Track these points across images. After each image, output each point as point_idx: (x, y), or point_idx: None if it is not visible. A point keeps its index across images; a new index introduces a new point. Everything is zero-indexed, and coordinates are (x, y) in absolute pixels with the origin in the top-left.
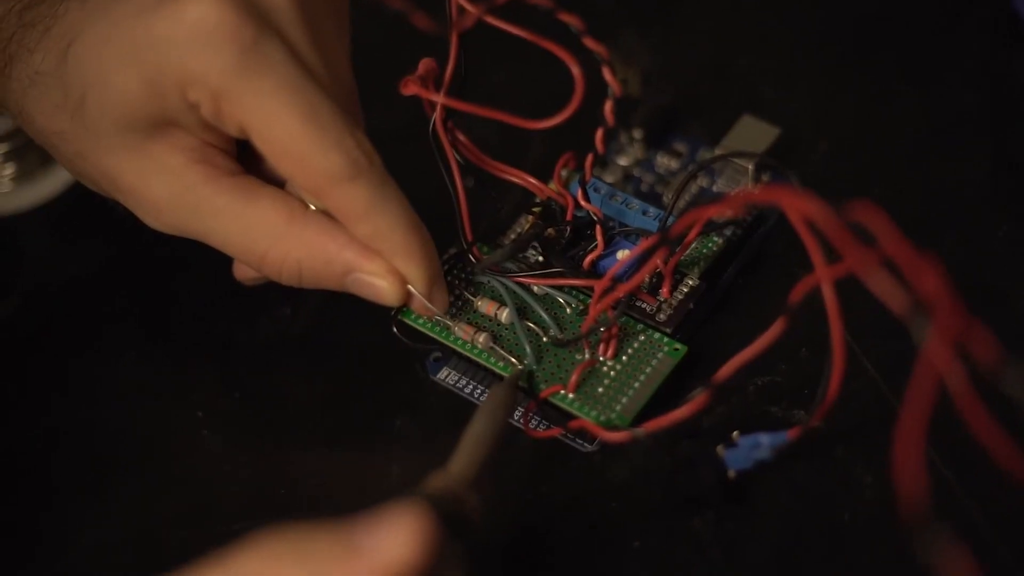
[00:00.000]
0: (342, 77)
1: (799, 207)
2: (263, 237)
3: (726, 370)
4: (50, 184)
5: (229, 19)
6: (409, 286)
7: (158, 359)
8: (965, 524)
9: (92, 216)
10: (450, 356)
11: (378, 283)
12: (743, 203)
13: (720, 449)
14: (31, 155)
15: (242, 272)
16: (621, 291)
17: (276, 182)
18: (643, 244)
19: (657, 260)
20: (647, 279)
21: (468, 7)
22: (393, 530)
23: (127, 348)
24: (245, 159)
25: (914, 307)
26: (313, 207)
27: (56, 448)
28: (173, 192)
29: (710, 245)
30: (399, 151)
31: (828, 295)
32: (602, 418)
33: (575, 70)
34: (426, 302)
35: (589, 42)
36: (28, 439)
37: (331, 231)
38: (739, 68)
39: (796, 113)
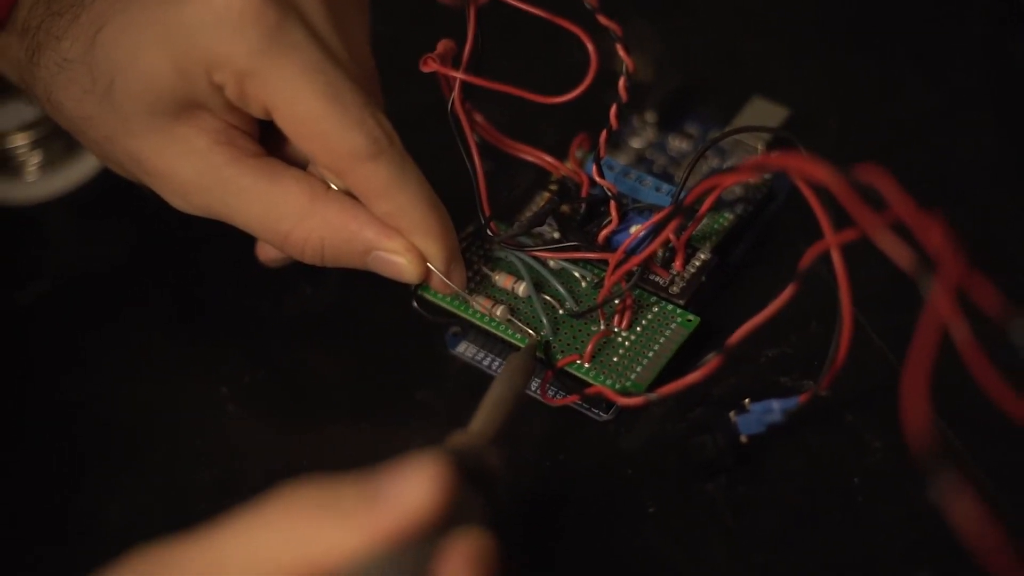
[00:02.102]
0: (363, 59)
1: (808, 171)
2: (286, 216)
3: (738, 335)
4: (75, 172)
5: (253, 3)
6: (428, 264)
7: (184, 338)
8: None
9: (118, 202)
10: (469, 330)
11: (398, 260)
12: (754, 168)
13: (732, 415)
14: (56, 144)
15: (265, 253)
16: (634, 262)
17: (299, 164)
18: (656, 216)
19: (669, 232)
20: (660, 253)
21: None
22: (413, 478)
23: (154, 328)
24: (268, 142)
25: (920, 263)
26: (335, 187)
27: (87, 424)
28: (199, 173)
29: (721, 220)
30: (419, 131)
31: (837, 260)
32: (617, 386)
33: (589, 46)
34: (445, 279)
35: (603, 19)
36: (60, 416)
37: (352, 210)
38: (749, 51)
39: (805, 94)
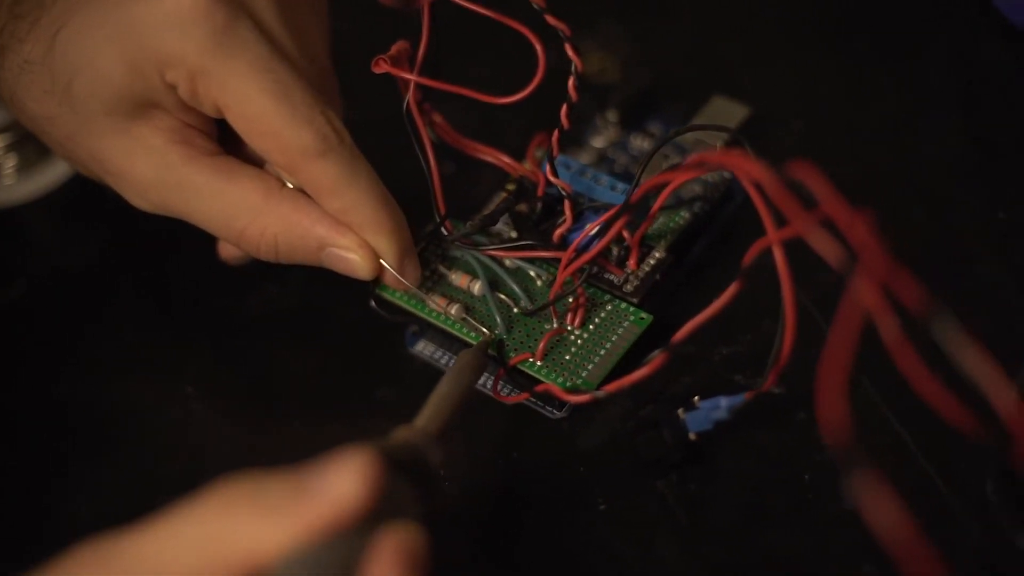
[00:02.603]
0: (317, 58)
1: (743, 168)
2: (241, 213)
3: (683, 332)
4: (51, 174)
5: (202, 3)
6: (382, 260)
7: (153, 337)
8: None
9: (92, 204)
10: (427, 329)
11: (350, 257)
12: (695, 165)
13: (681, 412)
14: (31, 146)
15: (226, 251)
16: (584, 259)
17: (257, 163)
18: (607, 214)
19: (618, 229)
20: (615, 251)
21: None
22: (341, 472)
23: (124, 327)
24: (228, 141)
25: (848, 258)
26: (290, 185)
27: (56, 421)
28: (156, 172)
29: (677, 219)
30: (386, 133)
31: (779, 256)
32: (568, 384)
33: (537, 46)
34: (398, 275)
35: (551, 19)
36: (30, 412)
37: (305, 207)
38: (717, 53)
39: (772, 95)
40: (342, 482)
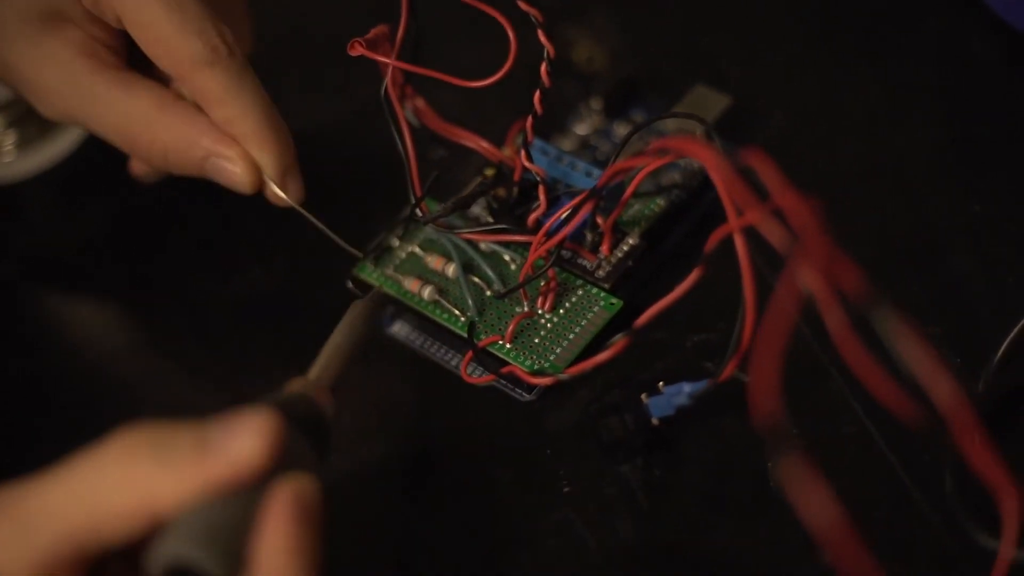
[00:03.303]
0: None
1: (696, 153)
2: (135, 123)
3: (645, 316)
4: (50, 151)
5: None
6: (264, 175)
7: (139, 313)
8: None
9: (88, 182)
10: (402, 311)
11: (232, 168)
12: (656, 151)
13: (644, 397)
14: (31, 123)
15: (136, 168)
16: (553, 241)
17: (164, 82)
18: (577, 198)
19: (585, 212)
20: (589, 237)
21: None
22: (242, 429)
23: (112, 302)
24: (138, 61)
25: (792, 243)
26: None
27: (40, 398)
28: (62, 81)
29: (652, 206)
30: (361, 115)
31: (739, 244)
32: (535, 366)
33: (510, 32)
34: (277, 190)
35: (523, 5)
36: (12, 389)
37: (194, 118)
38: (703, 45)
39: (755, 86)
40: (243, 441)
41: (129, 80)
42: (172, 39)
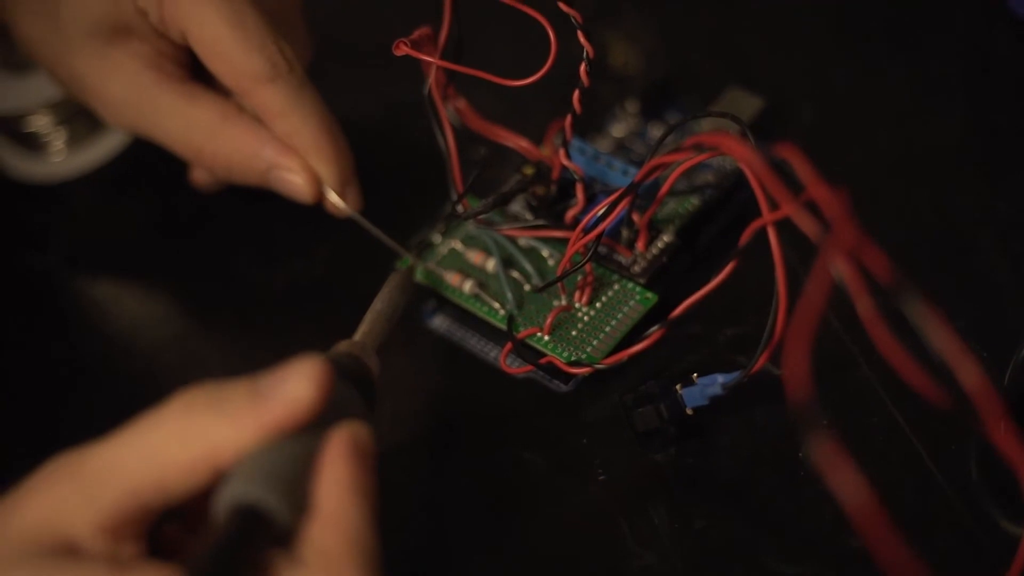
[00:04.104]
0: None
1: (732, 149)
2: (199, 133)
3: (681, 308)
4: (99, 150)
5: None
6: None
7: (185, 306)
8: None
9: (136, 180)
10: (443, 305)
11: (293, 179)
12: (691, 148)
13: (678, 388)
14: (81, 122)
15: (196, 176)
16: (590, 236)
17: (227, 93)
18: (613, 195)
19: (622, 208)
20: (625, 234)
21: None
22: (294, 376)
23: (156, 293)
24: (202, 74)
25: (822, 230)
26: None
27: (90, 379)
28: (128, 92)
29: (687, 205)
30: (404, 114)
31: (772, 237)
32: (572, 358)
33: (550, 32)
34: (337, 200)
35: (563, 6)
36: (67, 370)
37: (257, 130)
38: (734, 46)
39: (785, 85)
40: (295, 385)
41: (193, 92)
42: (235, 56)
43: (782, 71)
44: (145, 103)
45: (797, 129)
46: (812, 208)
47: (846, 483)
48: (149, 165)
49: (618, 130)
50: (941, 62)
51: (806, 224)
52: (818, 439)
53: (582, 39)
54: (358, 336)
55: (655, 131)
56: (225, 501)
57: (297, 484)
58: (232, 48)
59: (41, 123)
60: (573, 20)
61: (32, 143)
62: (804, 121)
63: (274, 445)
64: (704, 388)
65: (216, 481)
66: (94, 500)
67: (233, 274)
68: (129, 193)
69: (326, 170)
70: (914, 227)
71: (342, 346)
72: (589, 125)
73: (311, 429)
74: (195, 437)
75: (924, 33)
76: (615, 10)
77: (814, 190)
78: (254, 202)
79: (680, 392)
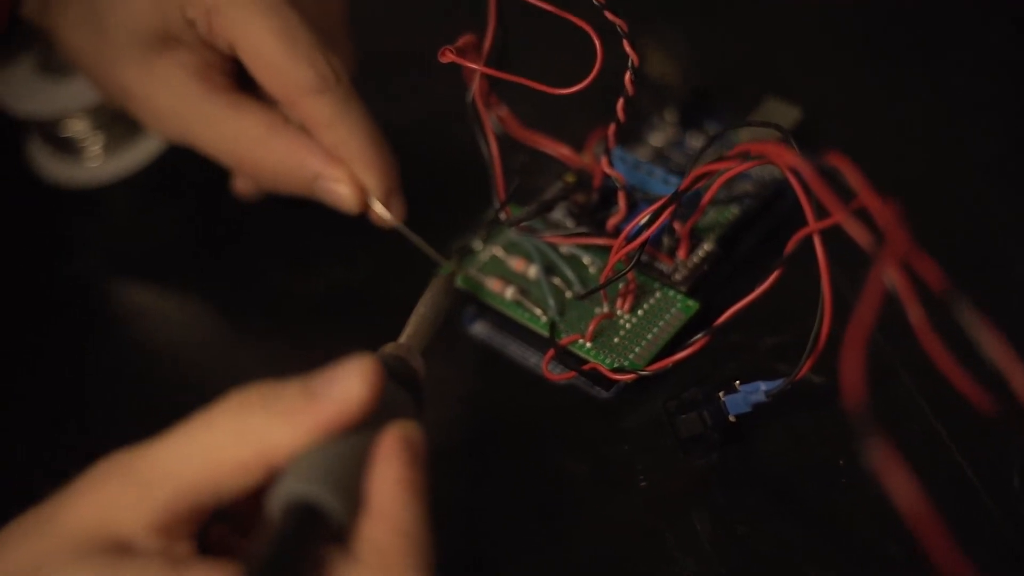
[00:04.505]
0: (328, 7)
1: (781, 157)
2: (245, 143)
3: (725, 316)
4: (136, 155)
5: None
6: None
7: (223, 312)
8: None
9: (173, 185)
10: (484, 311)
11: (339, 189)
12: (737, 156)
13: (721, 395)
14: (118, 127)
15: (239, 185)
16: (633, 245)
17: (272, 104)
18: (656, 203)
19: (666, 217)
20: (666, 242)
21: None
22: (346, 376)
23: (194, 299)
24: (247, 84)
25: (875, 240)
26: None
27: (126, 384)
28: (174, 102)
29: (727, 214)
30: (444, 121)
31: (818, 245)
32: (615, 364)
33: (596, 41)
34: (382, 209)
35: (609, 15)
36: (102, 376)
37: (303, 140)
38: (769, 56)
39: (821, 97)
40: (348, 384)
41: (240, 102)
42: (283, 67)
43: (816, 82)
44: (191, 113)
45: (833, 140)
46: (862, 216)
47: (902, 488)
48: (187, 170)
49: (657, 139)
50: (973, 77)
51: (857, 232)
52: (874, 445)
53: (628, 48)
54: (403, 339)
55: (694, 141)
56: (281, 498)
57: (351, 482)
58: (281, 60)
59: (78, 128)
60: (619, 29)
61: (69, 148)
62: (839, 132)
63: (328, 443)
64: (747, 395)
65: (269, 480)
66: (148, 499)
67: (271, 281)
68: (166, 199)
69: (372, 181)
70: (949, 242)
71: (389, 348)
72: (628, 134)
73: (363, 427)
74: (249, 436)
75: (956, 49)
76: (652, 21)
77: (865, 199)
78: (292, 209)
79: (723, 399)
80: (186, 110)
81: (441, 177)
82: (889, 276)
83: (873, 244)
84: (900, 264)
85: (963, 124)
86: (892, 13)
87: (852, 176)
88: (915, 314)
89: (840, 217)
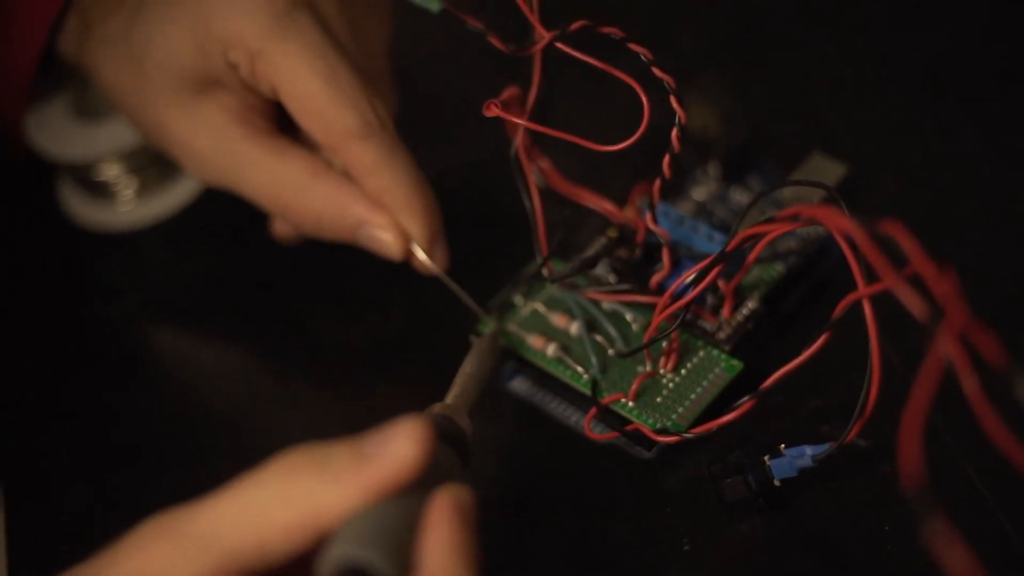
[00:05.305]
0: (371, 52)
1: (834, 222)
2: (288, 188)
3: (772, 380)
4: (169, 200)
5: None
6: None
7: (256, 359)
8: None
9: (206, 230)
10: (524, 366)
11: (383, 236)
12: (788, 218)
13: (767, 459)
14: (152, 172)
15: (279, 229)
16: (679, 304)
17: (313, 147)
18: (702, 263)
19: (712, 277)
20: (709, 300)
21: (542, 31)
22: (398, 438)
23: (228, 348)
24: (287, 126)
25: (932, 312)
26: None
27: (163, 431)
28: (215, 145)
29: (772, 272)
30: (485, 172)
31: (868, 311)
32: (658, 425)
33: (643, 97)
34: (425, 257)
35: (657, 71)
36: (139, 423)
37: (347, 187)
38: (812, 108)
39: (866, 152)
40: (400, 448)
41: (281, 147)
42: (328, 112)
43: (861, 135)
44: (232, 157)
45: (878, 197)
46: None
47: (959, 568)
48: (222, 214)
49: (699, 193)
50: (1020, 131)
51: (911, 301)
52: (934, 522)
53: (675, 105)
54: (450, 399)
55: (737, 195)
56: (331, 562)
57: (402, 545)
58: (326, 105)
59: (111, 172)
60: (666, 85)
61: (102, 192)
62: (884, 188)
63: (378, 506)
64: (793, 459)
65: (318, 544)
66: (195, 561)
67: (308, 328)
68: (200, 243)
69: (416, 228)
70: (999, 301)
71: (437, 408)
72: (670, 187)
73: (414, 490)
74: (298, 499)
75: (1002, 101)
76: (694, 74)
77: (921, 268)
78: (329, 254)
79: (768, 463)
80: (226, 153)
81: (482, 226)
82: (946, 352)
83: (929, 317)
84: (959, 339)
85: (1011, 178)
86: (938, 64)
87: (907, 244)
88: (970, 385)
89: (893, 285)
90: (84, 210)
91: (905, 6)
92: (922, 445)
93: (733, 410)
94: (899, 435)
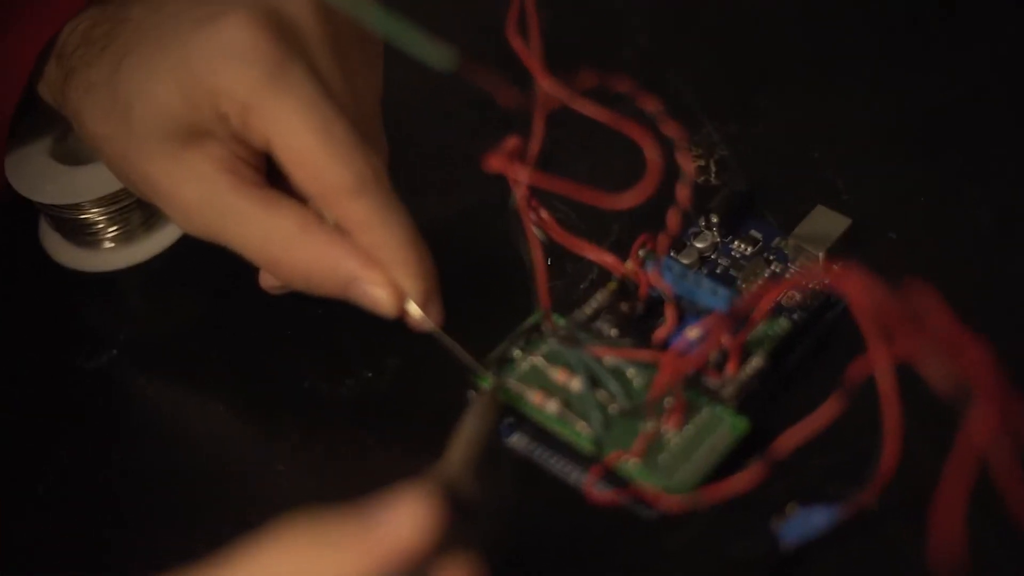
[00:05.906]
0: (365, 104)
1: (855, 289)
2: (278, 242)
3: (784, 448)
4: (152, 244)
5: (260, 41)
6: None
7: (245, 412)
8: None
9: (189, 275)
10: (522, 422)
11: (376, 292)
12: (803, 283)
13: (774, 520)
14: (134, 216)
15: (266, 281)
16: (686, 364)
17: (302, 200)
18: (708, 321)
19: (720, 336)
20: (714, 356)
21: (554, 94)
22: (405, 508)
23: (216, 399)
24: (277, 178)
25: (961, 387)
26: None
27: (146, 490)
28: (202, 197)
29: (776, 328)
30: (482, 223)
31: (882, 378)
32: (661, 484)
33: (649, 152)
34: (420, 314)
35: (665, 127)
36: (120, 480)
37: (338, 241)
38: (813, 159)
39: (867, 204)
40: (408, 518)
41: (271, 199)
42: (321, 167)
43: (861, 187)
44: (220, 209)
45: (879, 251)
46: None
47: None
48: (206, 258)
49: (700, 243)
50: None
51: (937, 374)
52: None
53: (683, 161)
54: (455, 461)
55: (738, 245)
56: None
57: None
58: (319, 159)
59: (93, 215)
60: (675, 141)
61: (84, 235)
62: (886, 242)
63: None
64: (802, 523)
65: None
66: None
67: (298, 379)
68: (184, 288)
69: (410, 284)
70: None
71: (440, 469)
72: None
73: (422, 563)
74: (299, 569)
75: (1005, 154)
76: (694, 124)
77: (952, 338)
78: (320, 302)
79: (776, 525)
80: (214, 205)
81: (479, 276)
82: (981, 422)
83: (959, 393)
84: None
85: (1014, 232)
86: (941, 118)
87: (936, 312)
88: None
89: (918, 357)
90: (66, 251)
91: (908, 58)
92: (962, 528)
93: (741, 476)
94: (933, 519)
